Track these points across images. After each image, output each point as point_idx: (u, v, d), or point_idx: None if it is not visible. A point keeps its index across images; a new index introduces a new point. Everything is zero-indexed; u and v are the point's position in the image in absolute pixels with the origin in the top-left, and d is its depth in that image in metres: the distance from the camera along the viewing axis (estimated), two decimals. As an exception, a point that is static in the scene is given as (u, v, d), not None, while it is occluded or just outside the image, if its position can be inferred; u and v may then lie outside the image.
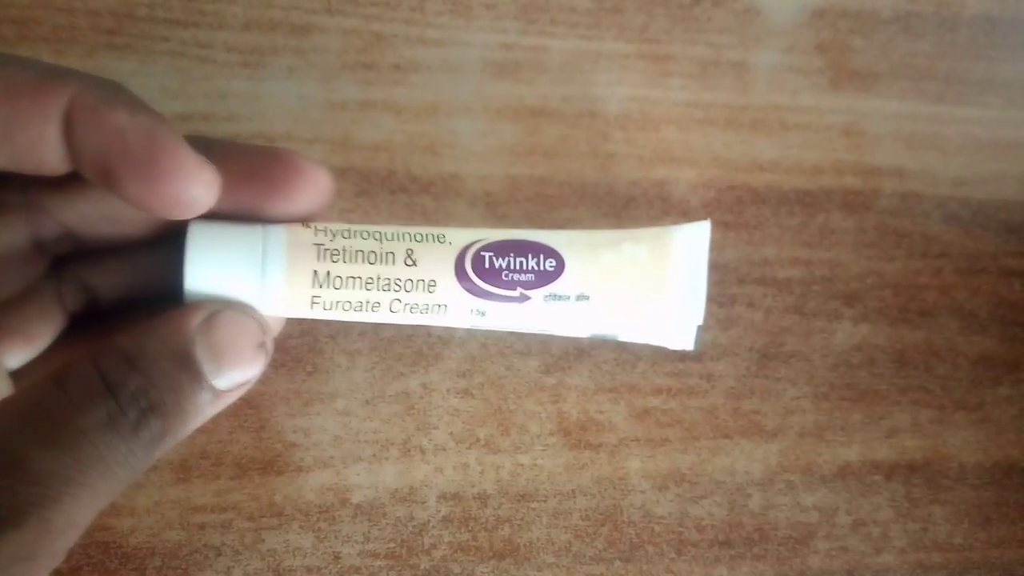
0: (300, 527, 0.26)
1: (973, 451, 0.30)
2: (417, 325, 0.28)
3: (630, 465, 0.28)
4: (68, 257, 0.21)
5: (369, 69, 0.29)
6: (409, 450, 0.27)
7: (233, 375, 0.19)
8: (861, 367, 0.30)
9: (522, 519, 0.27)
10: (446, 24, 0.30)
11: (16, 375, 0.20)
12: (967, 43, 0.33)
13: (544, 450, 0.27)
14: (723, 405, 0.29)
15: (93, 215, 0.20)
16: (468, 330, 0.28)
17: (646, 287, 0.24)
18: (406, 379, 0.27)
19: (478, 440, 0.27)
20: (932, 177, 0.32)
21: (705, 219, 0.25)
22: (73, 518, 0.17)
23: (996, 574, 0.29)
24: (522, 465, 0.27)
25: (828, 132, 0.31)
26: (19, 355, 0.20)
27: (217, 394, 0.19)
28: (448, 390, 0.27)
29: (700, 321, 0.25)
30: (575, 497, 0.27)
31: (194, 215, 0.19)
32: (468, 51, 0.30)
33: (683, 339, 0.25)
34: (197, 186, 0.18)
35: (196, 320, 0.19)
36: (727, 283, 0.29)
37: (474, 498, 0.27)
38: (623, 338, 0.25)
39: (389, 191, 0.29)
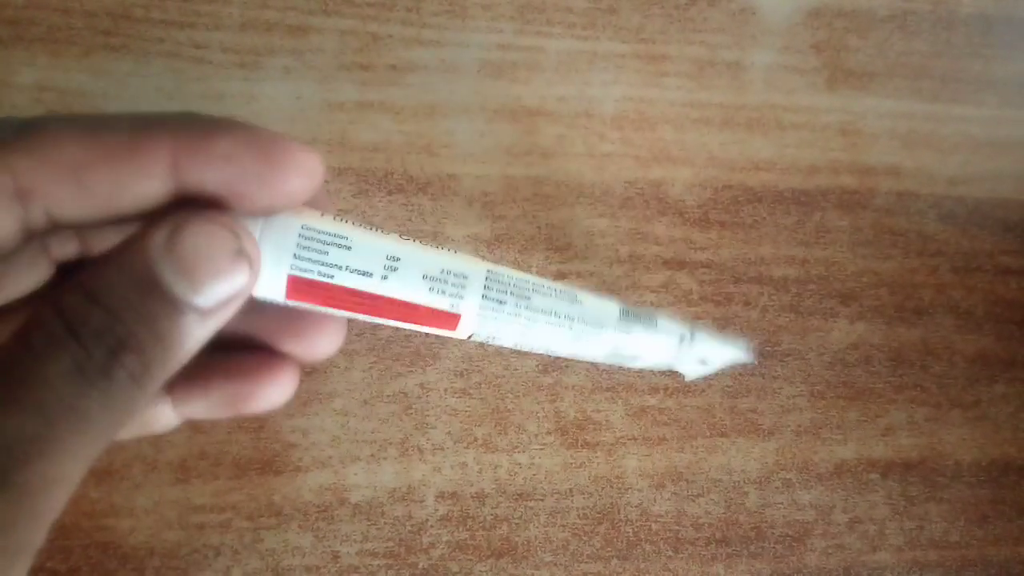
0: (299, 527, 0.26)
1: (969, 449, 0.30)
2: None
3: (627, 464, 0.28)
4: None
5: (366, 70, 0.29)
6: (407, 450, 0.27)
7: (214, 289, 0.17)
8: (857, 365, 0.30)
9: (520, 518, 0.27)
10: (442, 25, 0.30)
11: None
12: (963, 42, 0.33)
13: (542, 449, 0.27)
14: (719, 404, 0.29)
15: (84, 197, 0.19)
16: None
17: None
18: (404, 379, 0.27)
19: (476, 439, 0.27)
20: (928, 176, 0.32)
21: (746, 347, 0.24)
22: (51, 476, 0.16)
23: (992, 571, 0.29)
24: (520, 464, 0.27)
25: (824, 131, 0.31)
26: None
27: (202, 313, 0.17)
28: (446, 390, 0.28)
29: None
30: (572, 496, 0.27)
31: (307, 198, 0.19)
32: (465, 51, 0.30)
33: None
34: (313, 176, 0.19)
35: (158, 238, 0.17)
36: (723, 282, 0.29)
37: (472, 497, 0.27)
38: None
39: (386, 191, 0.29)
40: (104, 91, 0.28)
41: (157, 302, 0.17)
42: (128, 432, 0.21)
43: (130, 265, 0.17)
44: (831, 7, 0.33)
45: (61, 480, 0.16)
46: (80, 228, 0.19)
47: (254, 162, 0.18)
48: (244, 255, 0.18)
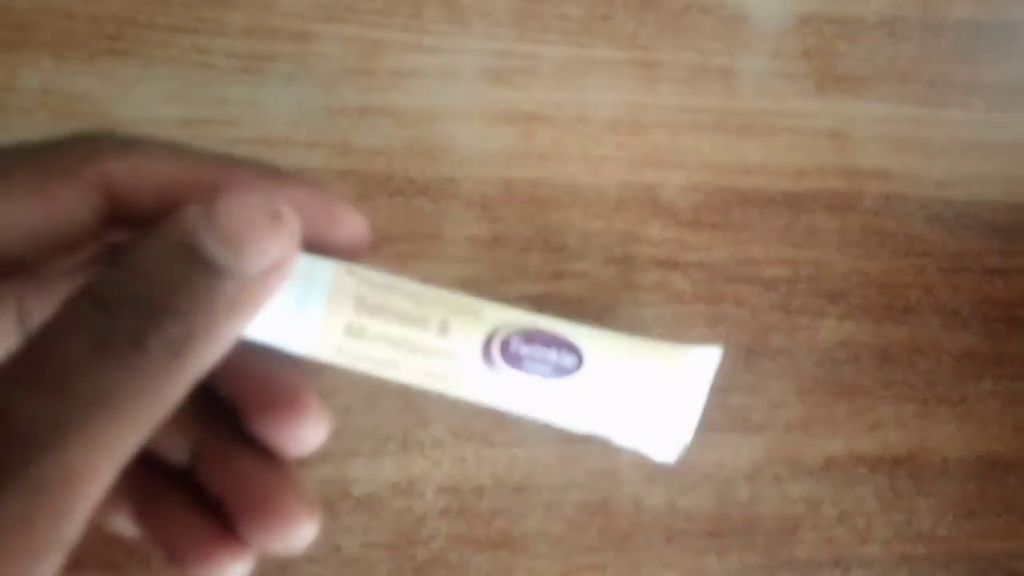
0: (302, 520, 0.26)
1: (956, 445, 0.30)
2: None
3: (621, 458, 0.28)
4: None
5: (368, 75, 0.30)
6: (408, 444, 0.27)
7: (257, 254, 0.16)
8: (845, 363, 0.30)
9: (517, 511, 0.27)
10: (442, 32, 0.30)
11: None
12: (951, 47, 0.34)
13: (538, 444, 0.28)
14: (711, 400, 0.28)
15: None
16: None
17: (654, 404, 0.24)
18: (404, 376, 0.28)
19: (475, 434, 0.28)
20: (916, 178, 0.32)
21: (717, 343, 0.25)
22: (73, 468, 0.14)
23: (979, 565, 0.29)
24: (517, 458, 0.28)
25: (814, 135, 0.32)
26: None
27: (245, 280, 0.16)
28: (445, 387, 0.28)
29: (688, 440, 0.25)
30: (568, 489, 0.28)
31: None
32: (464, 58, 0.30)
33: (668, 453, 0.25)
34: (363, 234, 0.20)
35: (194, 209, 0.16)
36: (715, 281, 0.30)
37: (471, 491, 0.27)
38: (615, 441, 0.25)
39: (388, 194, 0.29)
40: (109, 95, 0.28)
41: (197, 268, 0.15)
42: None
43: (166, 235, 0.16)
44: (821, 14, 0.33)
45: (87, 473, 0.14)
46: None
47: (319, 214, 0.19)
48: (283, 219, 0.17)
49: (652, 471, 0.28)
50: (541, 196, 0.30)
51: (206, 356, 0.16)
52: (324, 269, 0.19)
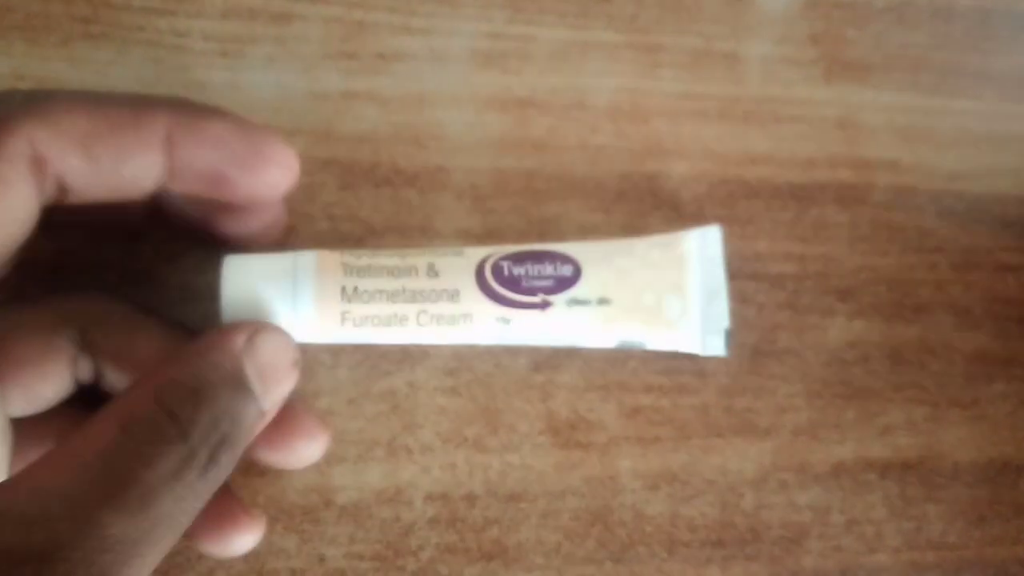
0: (284, 528, 0.26)
1: (968, 449, 0.29)
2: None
3: (621, 464, 0.27)
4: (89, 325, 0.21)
5: (352, 58, 0.29)
6: (395, 450, 0.27)
7: (276, 393, 0.19)
8: (855, 364, 0.29)
9: (511, 520, 0.27)
10: (431, 12, 0.30)
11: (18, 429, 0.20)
12: (962, 35, 0.33)
13: (533, 449, 0.27)
14: (715, 403, 0.28)
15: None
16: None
17: (664, 287, 0.24)
18: (392, 377, 0.27)
19: (466, 439, 0.27)
20: (927, 170, 0.31)
21: (715, 224, 0.26)
22: None
23: (991, 573, 0.29)
24: (511, 465, 0.27)
25: (822, 124, 0.31)
26: (22, 402, 0.20)
27: (263, 415, 0.19)
28: (435, 388, 0.27)
29: (726, 323, 0.25)
30: (565, 497, 0.27)
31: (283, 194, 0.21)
32: (454, 40, 0.30)
33: (712, 343, 0.25)
34: (291, 170, 0.21)
35: (240, 341, 0.19)
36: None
37: (462, 499, 0.26)
38: (651, 346, 0.25)
39: (373, 184, 0.28)
40: (83, 80, 0.27)
41: (242, 396, 0.18)
42: None
43: (222, 364, 0.18)
44: (829, -3, 0.32)
45: None
46: (83, 210, 0.20)
47: (241, 148, 0.19)
48: (298, 365, 0.20)
49: (653, 478, 0.27)
50: (536, 187, 0.29)
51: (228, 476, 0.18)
52: (305, 256, 0.22)
